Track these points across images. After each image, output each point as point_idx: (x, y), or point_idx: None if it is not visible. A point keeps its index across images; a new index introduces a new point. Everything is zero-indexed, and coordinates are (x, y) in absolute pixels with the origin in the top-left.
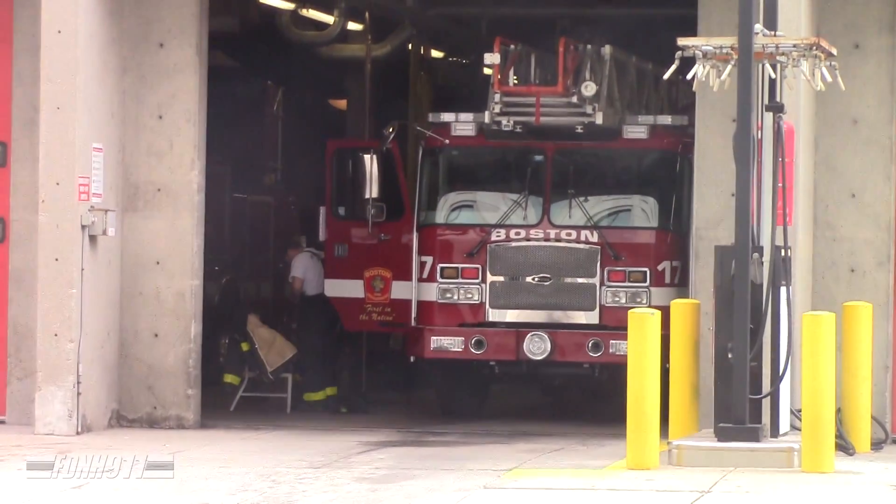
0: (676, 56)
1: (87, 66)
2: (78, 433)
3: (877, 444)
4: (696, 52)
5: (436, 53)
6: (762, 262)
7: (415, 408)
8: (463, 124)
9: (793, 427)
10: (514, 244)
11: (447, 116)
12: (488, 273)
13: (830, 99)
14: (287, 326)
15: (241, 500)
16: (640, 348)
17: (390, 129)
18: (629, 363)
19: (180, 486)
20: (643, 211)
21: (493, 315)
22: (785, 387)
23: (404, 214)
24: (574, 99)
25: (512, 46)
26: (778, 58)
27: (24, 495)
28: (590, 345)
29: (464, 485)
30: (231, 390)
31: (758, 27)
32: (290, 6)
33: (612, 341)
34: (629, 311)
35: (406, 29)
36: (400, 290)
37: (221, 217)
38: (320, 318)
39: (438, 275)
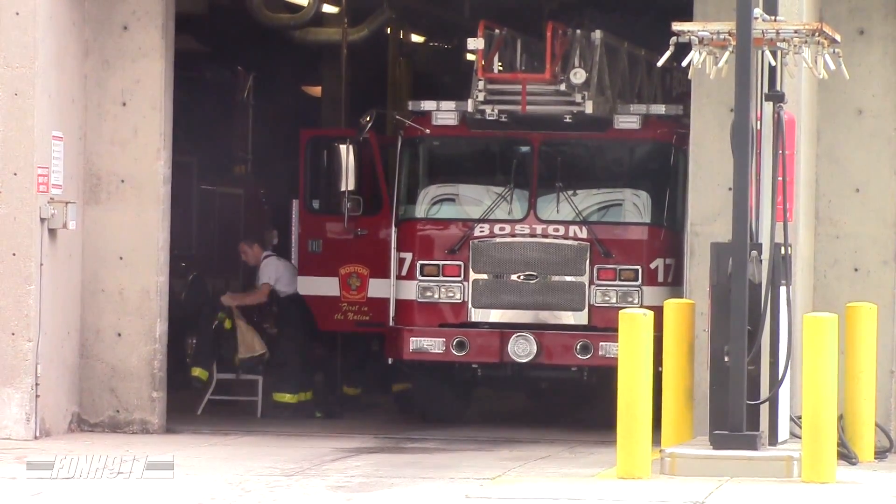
0: (671, 42)
1: (47, 50)
2: (36, 437)
3: (881, 453)
4: (692, 37)
5: (416, 38)
6: (761, 260)
7: (393, 412)
8: (444, 113)
9: (792, 435)
10: (498, 240)
11: (428, 105)
12: (471, 271)
13: (834, 88)
14: (258, 326)
15: None
16: (631, 351)
17: (367, 118)
18: (620, 366)
19: (142, 495)
20: (635, 205)
21: (476, 315)
22: (784, 392)
23: (382, 208)
24: (562, 87)
25: (497, 31)
26: (778, 44)
27: None
28: (578, 347)
29: (444, 494)
30: (200, 387)
31: (757, 12)
32: None
33: (601, 343)
34: (620, 312)
35: (384, 12)
36: (377, 288)
37: (188, 210)
38: (299, 318)
39: (418, 272)
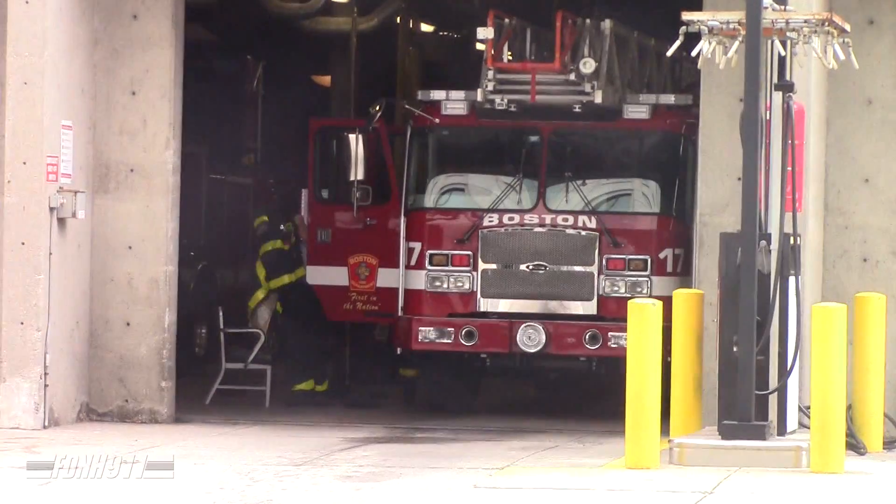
0: (681, 31)
1: (57, 39)
2: (45, 427)
3: (889, 444)
4: (702, 27)
5: (425, 27)
6: (770, 251)
7: (401, 402)
8: (454, 103)
9: (801, 425)
10: (507, 230)
11: (437, 94)
12: (480, 260)
13: (843, 78)
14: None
15: (216, 500)
16: (640, 341)
17: (377, 108)
18: (629, 356)
19: (147, 489)
20: (644, 195)
21: (485, 305)
22: (793, 382)
23: (391, 198)
24: (572, 76)
25: (506, 20)
26: (788, 34)
27: None
28: (587, 337)
29: (453, 484)
30: None
31: (767, 1)
32: None
33: (610, 333)
34: (629, 302)
35: (394, 1)
36: (386, 277)
37: (197, 200)
38: (311, 306)
39: (427, 262)
